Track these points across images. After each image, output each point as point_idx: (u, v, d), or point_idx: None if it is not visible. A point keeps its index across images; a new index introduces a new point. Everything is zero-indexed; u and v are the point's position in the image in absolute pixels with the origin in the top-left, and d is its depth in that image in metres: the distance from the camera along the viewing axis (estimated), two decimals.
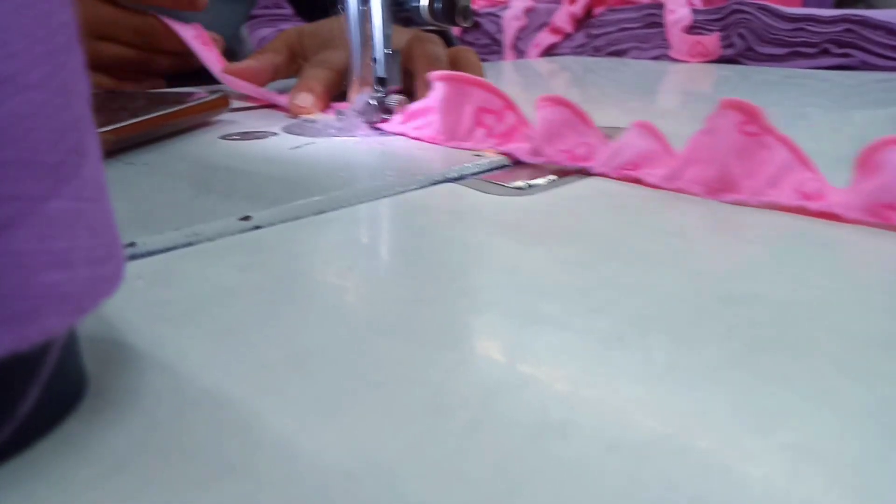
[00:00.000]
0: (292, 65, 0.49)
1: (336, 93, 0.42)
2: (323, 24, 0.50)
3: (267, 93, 0.45)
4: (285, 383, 0.13)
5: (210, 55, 0.48)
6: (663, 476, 0.11)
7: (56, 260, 0.10)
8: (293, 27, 0.51)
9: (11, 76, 0.10)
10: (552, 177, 0.29)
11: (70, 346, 0.12)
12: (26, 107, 0.10)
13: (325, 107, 0.41)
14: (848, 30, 0.80)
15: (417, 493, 0.10)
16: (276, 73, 0.48)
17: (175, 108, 0.35)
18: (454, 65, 0.46)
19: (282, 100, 0.44)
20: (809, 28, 0.83)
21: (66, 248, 0.10)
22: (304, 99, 0.40)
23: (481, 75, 0.46)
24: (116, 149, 0.31)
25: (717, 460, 0.11)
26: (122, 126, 0.31)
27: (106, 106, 0.35)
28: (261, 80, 0.47)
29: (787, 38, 0.85)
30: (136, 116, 0.32)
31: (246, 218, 0.22)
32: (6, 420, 0.11)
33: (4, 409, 0.11)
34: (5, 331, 0.10)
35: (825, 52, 0.82)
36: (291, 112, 0.41)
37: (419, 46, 0.43)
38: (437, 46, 0.44)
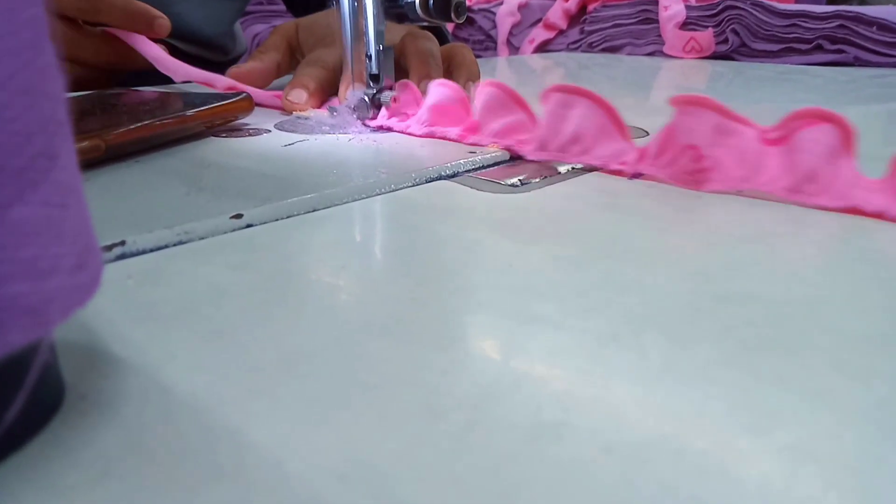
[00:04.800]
0: (292, 60, 0.49)
1: (330, 92, 0.42)
2: (318, 19, 0.49)
3: (262, 93, 0.45)
4: (277, 385, 0.13)
5: (215, 76, 0.48)
6: (659, 477, 0.11)
7: (21, 270, 0.10)
8: (289, 21, 0.51)
9: None
10: (545, 174, 0.28)
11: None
12: None
13: (319, 104, 0.41)
14: (841, 26, 0.80)
15: (411, 497, 0.10)
16: (279, 72, 0.48)
17: (199, 109, 0.34)
18: (449, 61, 0.46)
19: (275, 97, 0.44)
20: (803, 24, 0.83)
21: (33, 256, 0.10)
22: (298, 95, 0.40)
23: (476, 71, 0.46)
24: (135, 150, 0.31)
25: (714, 461, 0.11)
26: (142, 126, 0.30)
27: (121, 106, 0.34)
28: (266, 80, 0.47)
29: (780, 34, 0.85)
30: (155, 117, 0.31)
31: (238, 216, 0.22)
32: None
33: None
34: None
35: (819, 49, 0.82)
36: (285, 108, 0.41)
37: (412, 43, 0.43)
38: (430, 43, 0.44)
